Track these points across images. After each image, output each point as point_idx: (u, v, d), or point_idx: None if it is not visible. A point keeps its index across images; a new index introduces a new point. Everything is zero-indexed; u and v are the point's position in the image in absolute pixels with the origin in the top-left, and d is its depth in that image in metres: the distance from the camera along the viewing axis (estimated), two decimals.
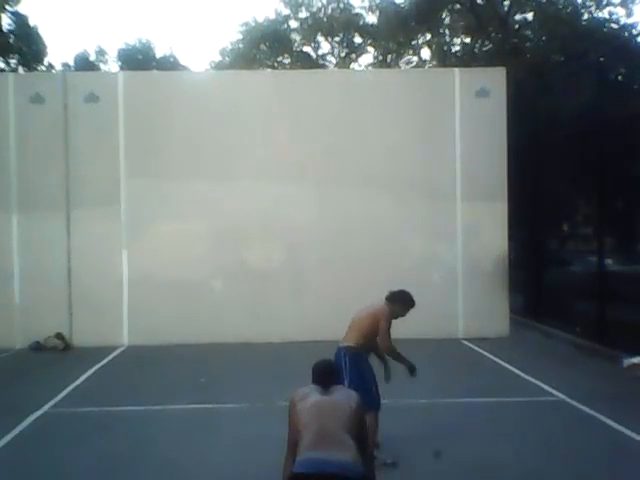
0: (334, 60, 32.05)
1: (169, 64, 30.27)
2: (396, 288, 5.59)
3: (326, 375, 3.69)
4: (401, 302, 5.48)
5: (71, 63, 30.09)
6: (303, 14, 31.16)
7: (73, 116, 11.10)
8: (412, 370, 5.40)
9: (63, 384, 8.09)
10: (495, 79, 11.43)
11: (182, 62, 32.05)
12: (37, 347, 10.64)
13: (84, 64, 29.16)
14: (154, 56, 31.38)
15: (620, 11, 21.64)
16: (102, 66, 31.20)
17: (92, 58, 31.04)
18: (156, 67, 29.62)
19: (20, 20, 24.96)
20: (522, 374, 8.39)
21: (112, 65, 31.77)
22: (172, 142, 11.18)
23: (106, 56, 31.88)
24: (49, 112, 11.07)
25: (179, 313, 10.83)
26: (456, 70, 12.08)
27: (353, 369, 5.15)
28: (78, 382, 8.35)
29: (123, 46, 31.35)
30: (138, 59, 29.54)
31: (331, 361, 4.06)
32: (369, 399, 4.65)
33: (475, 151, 11.23)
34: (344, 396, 3.57)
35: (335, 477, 3.04)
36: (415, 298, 5.53)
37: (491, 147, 11.20)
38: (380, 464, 4.82)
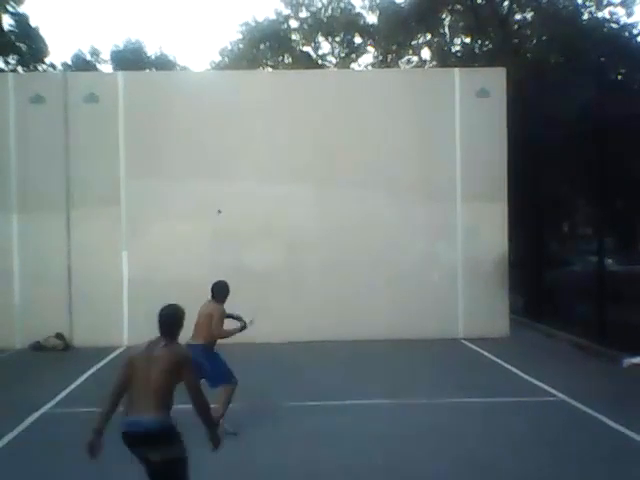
0: (334, 60, 32.04)
1: (162, 63, 30.27)
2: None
3: (165, 324, 3.71)
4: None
5: (70, 63, 30.09)
6: (303, 14, 31.15)
7: (73, 116, 11.11)
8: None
9: (63, 384, 8.09)
10: (495, 79, 11.44)
11: (176, 61, 32.27)
12: (37, 347, 10.64)
13: (82, 64, 29.16)
14: (147, 56, 31.34)
15: (620, 11, 21.68)
16: (100, 66, 31.16)
17: (88, 58, 31.00)
18: (155, 67, 29.61)
19: (21, 19, 24.94)
20: (522, 374, 8.39)
21: (109, 65, 31.75)
22: (172, 142, 11.18)
23: (101, 56, 31.85)
24: (49, 112, 11.08)
25: None
26: (456, 70, 12.08)
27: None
28: (78, 382, 8.35)
29: (116, 48, 31.31)
30: (135, 59, 29.46)
31: (176, 308, 3.81)
32: (230, 375, 6.20)
33: (475, 151, 11.23)
34: (167, 352, 3.61)
35: (144, 435, 3.55)
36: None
37: (491, 147, 11.20)
38: (225, 434, 5.18)
